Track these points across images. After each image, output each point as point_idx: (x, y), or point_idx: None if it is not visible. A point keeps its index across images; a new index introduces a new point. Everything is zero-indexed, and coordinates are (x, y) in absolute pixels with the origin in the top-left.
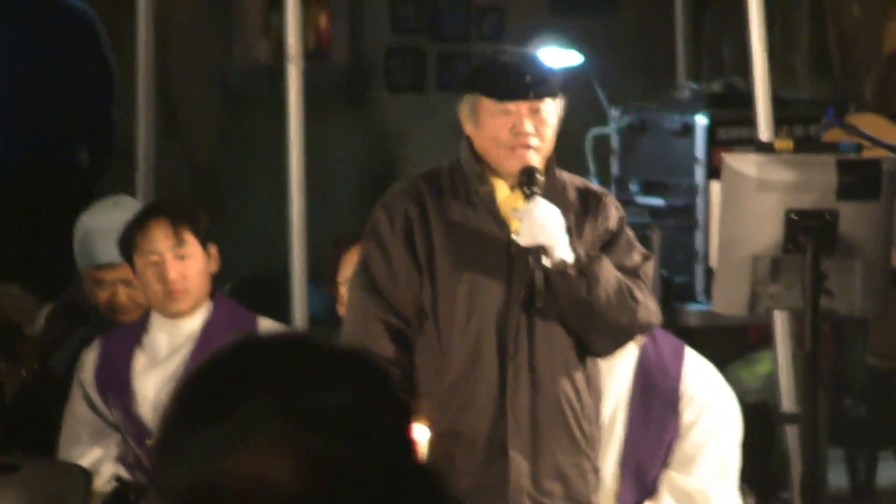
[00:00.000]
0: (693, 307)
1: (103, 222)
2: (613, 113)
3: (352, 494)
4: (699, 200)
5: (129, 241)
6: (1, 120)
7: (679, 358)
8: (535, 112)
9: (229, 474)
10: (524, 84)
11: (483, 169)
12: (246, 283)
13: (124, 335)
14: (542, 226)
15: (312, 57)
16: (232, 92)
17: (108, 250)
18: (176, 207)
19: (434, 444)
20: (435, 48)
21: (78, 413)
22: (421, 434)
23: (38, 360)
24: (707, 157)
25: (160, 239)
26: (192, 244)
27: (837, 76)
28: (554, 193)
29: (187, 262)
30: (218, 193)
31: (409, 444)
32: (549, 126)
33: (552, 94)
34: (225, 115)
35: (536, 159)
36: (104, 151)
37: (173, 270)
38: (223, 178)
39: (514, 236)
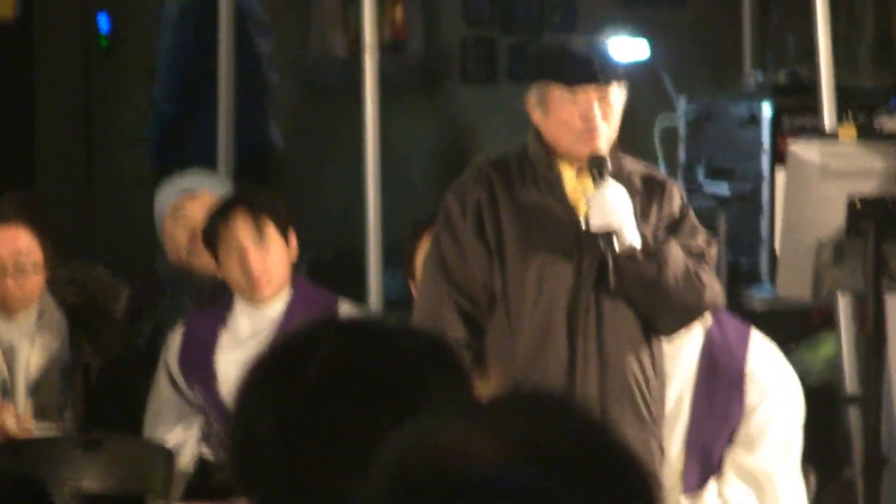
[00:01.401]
0: (758, 291)
1: (176, 179)
2: (681, 102)
3: (550, 471)
4: (764, 187)
5: (213, 233)
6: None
7: (744, 340)
8: (603, 98)
9: (443, 447)
10: (592, 70)
11: (550, 155)
12: (323, 263)
13: (208, 318)
14: (612, 209)
15: (388, 49)
16: (310, 82)
17: (185, 183)
18: (257, 198)
19: None
20: (507, 40)
21: (163, 393)
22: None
23: (123, 340)
24: (772, 145)
25: (242, 230)
26: (272, 234)
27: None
28: (619, 179)
29: (268, 252)
30: (295, 178)
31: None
32: (615, 112)
33: (618, 80)
34: (303, 103)
35: (605, 145)
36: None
37: (255, 261)
38: (301, 163)
39: (583, 220)
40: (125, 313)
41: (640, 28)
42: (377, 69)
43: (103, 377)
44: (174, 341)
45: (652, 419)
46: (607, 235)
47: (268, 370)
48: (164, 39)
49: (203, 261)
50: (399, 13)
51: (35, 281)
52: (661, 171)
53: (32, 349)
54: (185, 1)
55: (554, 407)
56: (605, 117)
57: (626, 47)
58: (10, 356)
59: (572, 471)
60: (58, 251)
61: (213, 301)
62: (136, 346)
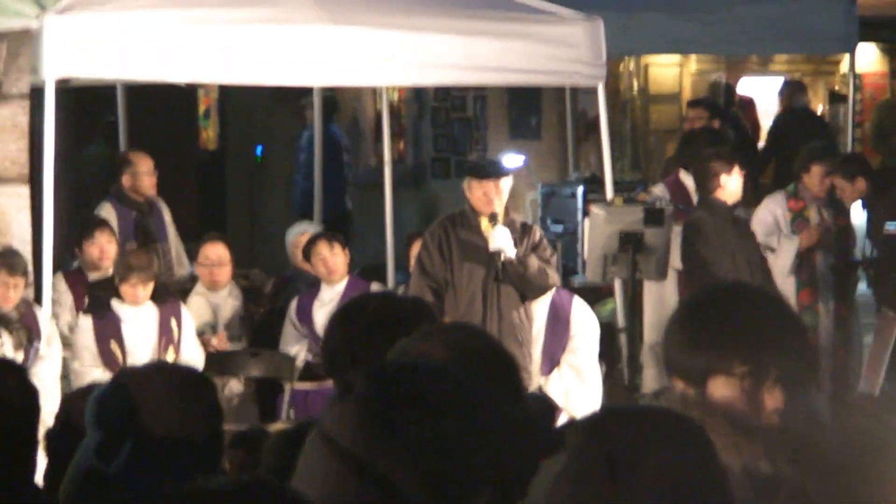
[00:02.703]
0: (577, 278)
1: (296, 225)
2: (539, 186)
3: (473, 364)
4: (579, 228)
5: (308, 249)
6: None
7: (570, 301)
8: (497, 185)
9: (412, 353)
10: (491, 171)
11: (474, 213)
12: (365, 270)
13: (310, 294)
14: (501, 239)
15: (396, 162)
16: (359, 180)
17: (300, 228)
18: (330, 234)
19: None
20: (455, 157)
21: (288, 330)
22: None
23: (269, 306)
24: (583, 208)
25: (323, 248)
26: (338, 249)
27: (644, 170)
28: (508, 224)
29: (336, 259)
30: (356, 229)
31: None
32: (504, 191)
33: (505, 176)
34: (356, 192)
35: (499, 208)
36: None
37: (330, 262)
38: (357, 223)
39: (489, 245)
40: (271, 292)
41: (518, 149)
42: (392, 173)
43: (260, 323)
44: (293, 304)
45: (525, 342)
46: (498, 252)
47: (341, 318)
48: (300, 154)
49: (307, 266)
50: (402, 144)
51: (227, 271)
52: (529, 221)
53: (227, 307)
54: (309, 136)
55: (473, 331)
56: (498, 195)
57: (511, 159)
58: (215, 310)
59: (481, 365)
60: (236, 260)
61: (311, 286)
62: (276, 309)
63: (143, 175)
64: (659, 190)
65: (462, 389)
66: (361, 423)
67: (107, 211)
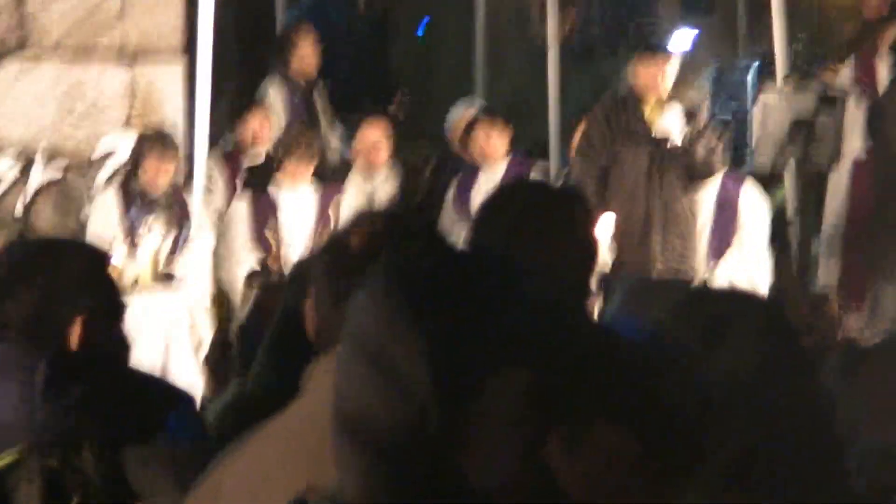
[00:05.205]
0: (748, 163)
1: (457, 106)
2: (706, 71)
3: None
4: (749, 114)
5: (468, 133)
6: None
7: (739, 185)
8: (665, 63)
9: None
10: (660, 48)
11: (638, 95)
12: (532, 148)
13: (468, 178)
14: (669, 124)
15: (566, 39)
16: (532, 54)
17: (462, 107)
18: (492, 114)
19: (616, 228)
20: (623, 33)
21: (447, 208)
22: (608, 220)
23: (431, 188)
24: (756, 89)
25: (483, 128)
26: (499, 128)
27: (822, 49)
28: (674, 107)
29: (497, 139)
30: (525, 103)
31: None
32: (671, 72)
33: (673, 56)
34: (531, 64)
35: (666, 89)
36: None
37: (489, 143)
38: (527, 96)
39: (655, 129)
40: (430, 174)
41: (690, 25)
42: (558, 50)
43: (415, 206)
44: (454, 185)
45: (690, 229)
46: (665, 139)
47: (497, 199)
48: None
49: (465, 152)
50: (571, 17)
51: (384, 152)
52: (697, 102)
53: (383, 189)
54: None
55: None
56: (666, 75)
57: (682, 37)
58: (370, 194)
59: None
60: (402, 133)
61: (471, 169)
62: (434, 193)
63: (310, 54)
64: (843, 76)
65: (480, 273)
66: (371, 308)
67: (274, 89)
